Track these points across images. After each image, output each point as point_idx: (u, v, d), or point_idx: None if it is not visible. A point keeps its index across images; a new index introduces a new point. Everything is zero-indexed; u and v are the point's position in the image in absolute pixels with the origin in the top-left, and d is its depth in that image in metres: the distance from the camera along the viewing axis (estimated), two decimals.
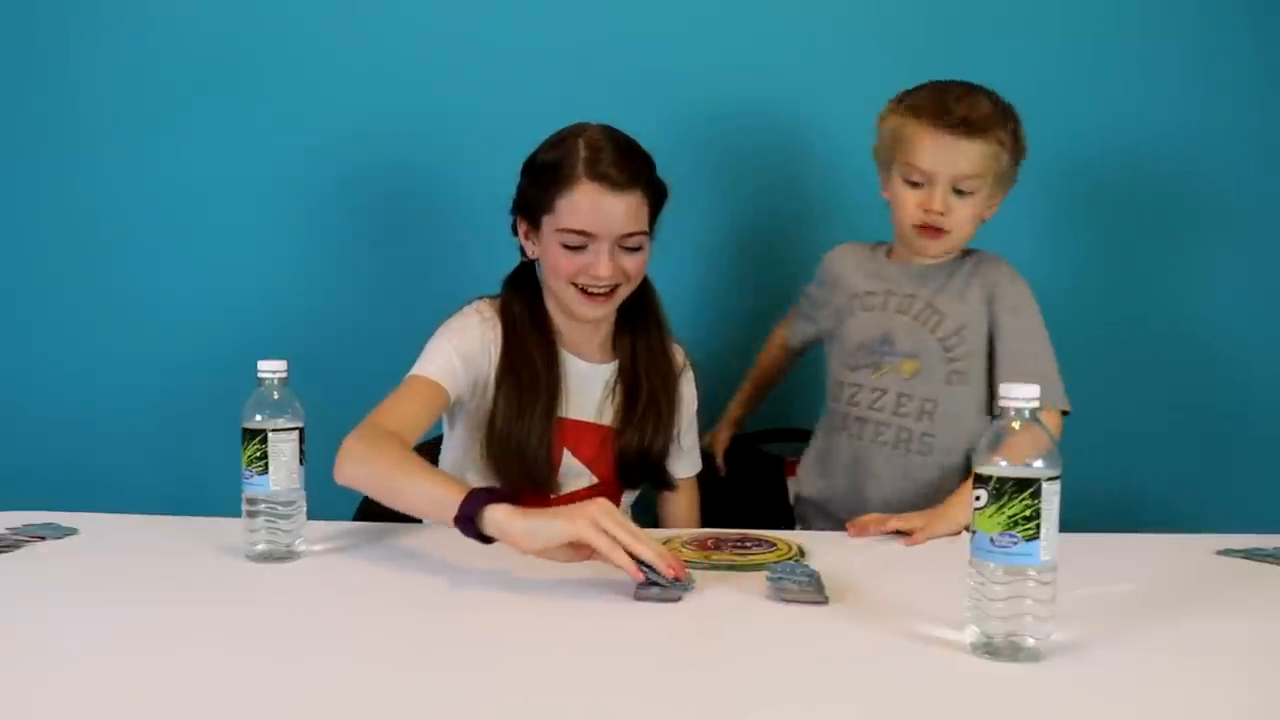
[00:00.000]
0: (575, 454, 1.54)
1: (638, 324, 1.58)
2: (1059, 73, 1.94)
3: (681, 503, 1.64)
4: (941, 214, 1.50)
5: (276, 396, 1.25)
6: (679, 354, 1.63)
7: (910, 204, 1.52)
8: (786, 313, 1.80)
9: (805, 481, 1.68)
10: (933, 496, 1.50)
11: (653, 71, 1.96)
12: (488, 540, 1.18)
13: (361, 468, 1.32)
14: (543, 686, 0.88)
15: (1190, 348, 1.99)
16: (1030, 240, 1.97)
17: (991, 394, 1.54)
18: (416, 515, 1.35)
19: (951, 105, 1.48)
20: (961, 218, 1.51)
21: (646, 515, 1.69)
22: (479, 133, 1.95)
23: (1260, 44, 1.94)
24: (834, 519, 1.59)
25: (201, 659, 0.93)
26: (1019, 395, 0.93)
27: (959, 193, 1.49)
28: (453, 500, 1.18)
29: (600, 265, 1.45)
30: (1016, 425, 0.93)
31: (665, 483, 1.60)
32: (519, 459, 1.48)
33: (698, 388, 1.66)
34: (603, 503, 1.15)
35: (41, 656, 0.93)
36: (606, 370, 1.57)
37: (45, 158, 2.02)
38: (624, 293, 1.51)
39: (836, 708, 0.85)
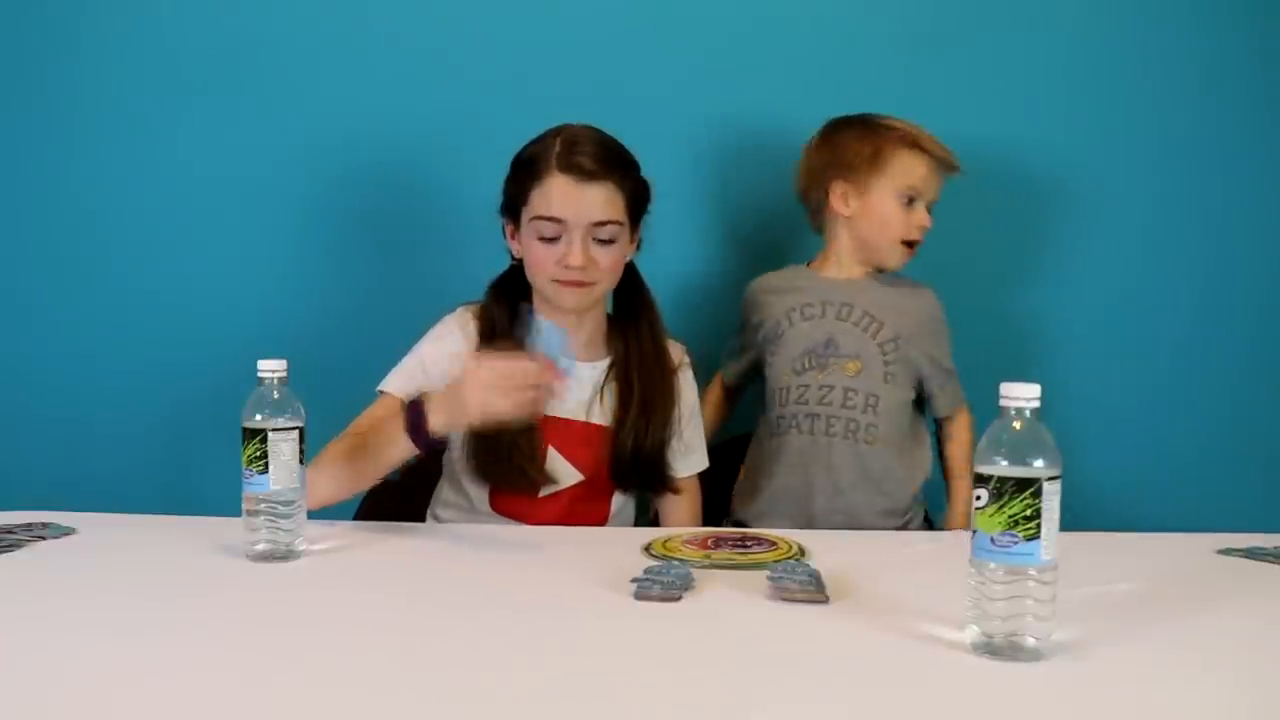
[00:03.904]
0: (561, 451, 1.54)
1: (629, 323, 1.59)
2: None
3: (683, 503, 1.63)
4: (927, 227, 1.71)
5: (276, 396, 1.25)
6: (677, 351, 1.64)
7: (898, 221, 1.70)
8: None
9: (742, 497, 1.74)
10: (876, 486, 1.66)
11: (650, 72, 1.96)
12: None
13: (321, 481, 1.39)
14: (543, 686, 0.87)
15: (1189, 348, 2.00)
16: (1010, 243, 1.98)
17: (916, 397, 1.73)
18: (387, 469, 1.42)
19: (931, 138, 1.70)
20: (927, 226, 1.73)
21: (644, 516, 1.69)
22: (480, 133, 1.95)
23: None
24: (778, 519, 1.66)
25: (201, 658, 0.93)
26: (1019, 395, 0.93)
27: (926, 204, 1.71)
28: (399, 434, 1.35)
29: (573, 254, 1.47)
30: (1017, 425, 0.93)
31: (665, 485, 1.59)
32: (497, 456, 1.50)
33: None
34: (471, 393, 1.28)
35: (40, 656, 0.93)
36: (596, 369, 1.58)
37: (44, 157, 2.01)
38: (602, 289, 1.53)
39: (837, 707, 0.85)
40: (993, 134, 1.96)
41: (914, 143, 1.69)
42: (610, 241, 1.49)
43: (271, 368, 1.25)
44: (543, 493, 1.53)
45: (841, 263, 1.74)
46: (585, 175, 1.46)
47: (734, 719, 0.82)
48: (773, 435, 1.71)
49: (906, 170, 1.68)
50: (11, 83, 2.00)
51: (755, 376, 1.80)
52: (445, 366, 1.53)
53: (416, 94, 1.98)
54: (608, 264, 1.50)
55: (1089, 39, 1.96)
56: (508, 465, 1.50)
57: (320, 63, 1.98)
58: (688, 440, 1.63)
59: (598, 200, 1.47)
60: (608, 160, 1.48)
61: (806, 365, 1.69)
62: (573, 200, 1.46)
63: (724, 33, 1.97)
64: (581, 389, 1.56)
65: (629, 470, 1.55)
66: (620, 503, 1.60)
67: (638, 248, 1.58)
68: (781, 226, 1.99)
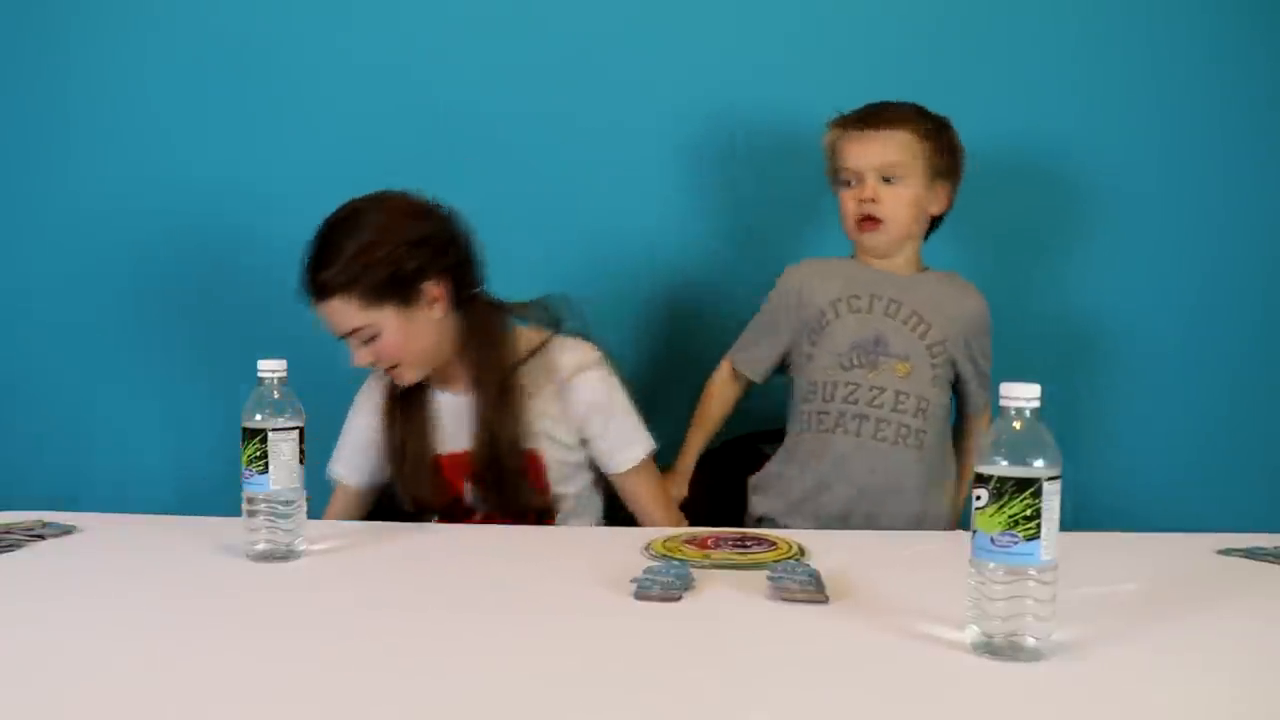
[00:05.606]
0: (469, 482, 1.56)
1: (466, 352, 1.57)
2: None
3: (638, 488, 1.62)
4: (873, 201, 1.62)
5: (276, 396, 1.25)
6: (579, 352, 1.59)
7: (848, 202, 1.65)
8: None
9: (766, 491, 1.68)
10: (914, 493, 1.61)
11: (649, 72, 1.96)
12: None
13: None
14: (543, 686, 0.87)
15: (1189, 348, 2.00)
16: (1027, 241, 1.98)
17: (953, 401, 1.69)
18: None
19: (866, 110, 1.65)
20: (894, 206, 1.63)
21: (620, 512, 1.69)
22: (480, 134, 1.95)
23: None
24: (807, 518, 1.61)
25: (201, 658, 0.93)
26: (1020, 395, 0.93)
27: (887, 181, 1.62)
28: None
29: (354, 358, 1.51)
30: (1017, 425, 0.93)
31: (527, 498, 1.56)
32: (418, 501, 1.56)
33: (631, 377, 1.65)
34: None
35: (41, 656, 0.93)
36: (459, 400, 1.59)
37: (44, 158, 2.02)
38: (411, 370, 1.53)
39: (836, 707, 0.85)
40: (991, 134, 1.95)
41: (835, 124, 1.68)
42: (371, 340, 1.50)
43: (271, 368, 1.26)
44: (478, 516, 1.57)
45: (869, 259, 1.69)
46: (316, 295, 1.49)
47: (734, 719, 0.82)
48: (805, 431, 1.64)
49: (835, 154, 1.67)
50: (9, 83, 2.00)
51: (782, 368, 1.72)
52: (366, 430, 1.59)
53: (417, 93, 1.98)
54: (383, 354, 1.51)
55: (1095, 38, 1.96)
56: (428, 508, 1.56)
57: (319, 61, 1.98)
58: (613, 438, 1.59)
59: (335, 315, 1.49)
60: (328, 273, 1.47)
61: (855, 362, 1.62)
62: (324, 317, 1.50)
63: (733, 25, 1.97)
64: (458, 422, 1.57)
65: (491, 488, 1.55)
66: (569, 504, 1.60)
67: (465, 285, 1.54)
68: (791, 221, 1.99)
